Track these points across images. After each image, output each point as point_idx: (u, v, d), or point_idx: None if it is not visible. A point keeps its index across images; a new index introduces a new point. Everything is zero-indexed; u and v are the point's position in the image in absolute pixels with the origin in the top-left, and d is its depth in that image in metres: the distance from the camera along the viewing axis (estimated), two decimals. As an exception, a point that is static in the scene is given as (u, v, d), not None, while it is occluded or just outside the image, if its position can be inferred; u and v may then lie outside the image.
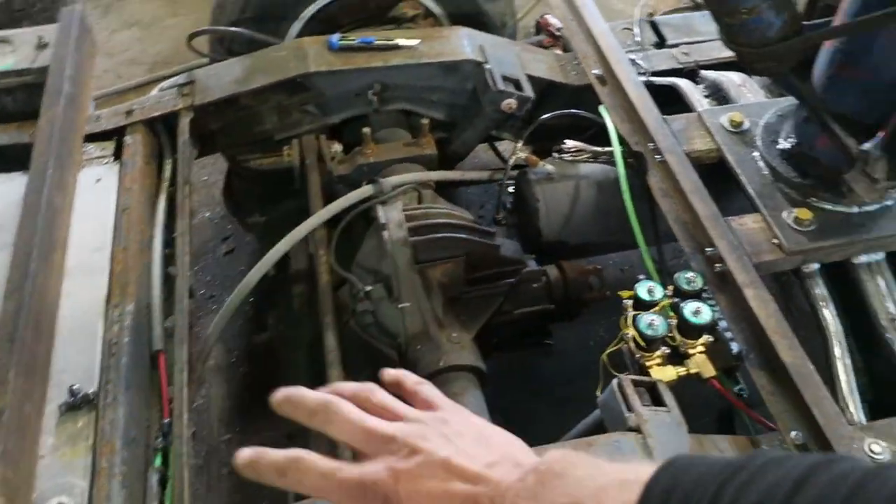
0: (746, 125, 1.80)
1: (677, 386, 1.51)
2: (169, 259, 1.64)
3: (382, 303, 1.66)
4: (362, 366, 1.86)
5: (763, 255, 1.59)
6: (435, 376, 1.59)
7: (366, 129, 1.90)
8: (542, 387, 2.29)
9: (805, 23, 1.49)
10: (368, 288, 1.63)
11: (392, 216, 1.67)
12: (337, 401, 0.75)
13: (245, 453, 0.74)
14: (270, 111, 1.97)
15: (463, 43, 1.98)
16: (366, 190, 1.78)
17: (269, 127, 2.00)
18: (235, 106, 1.94)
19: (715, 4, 1.37)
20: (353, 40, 1.91)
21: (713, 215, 1.62)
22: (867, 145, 1.42)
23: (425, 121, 1.95)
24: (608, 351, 1.56)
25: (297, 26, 2.16)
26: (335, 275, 1.72)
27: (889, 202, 1.65)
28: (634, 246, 1.80)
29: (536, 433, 1.46)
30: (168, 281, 1.60)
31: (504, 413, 2.16)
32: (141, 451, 1.33)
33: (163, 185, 1.78)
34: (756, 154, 1.74)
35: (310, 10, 2.14)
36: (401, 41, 1.93)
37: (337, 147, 1.95)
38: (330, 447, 1.57)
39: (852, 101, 1.51)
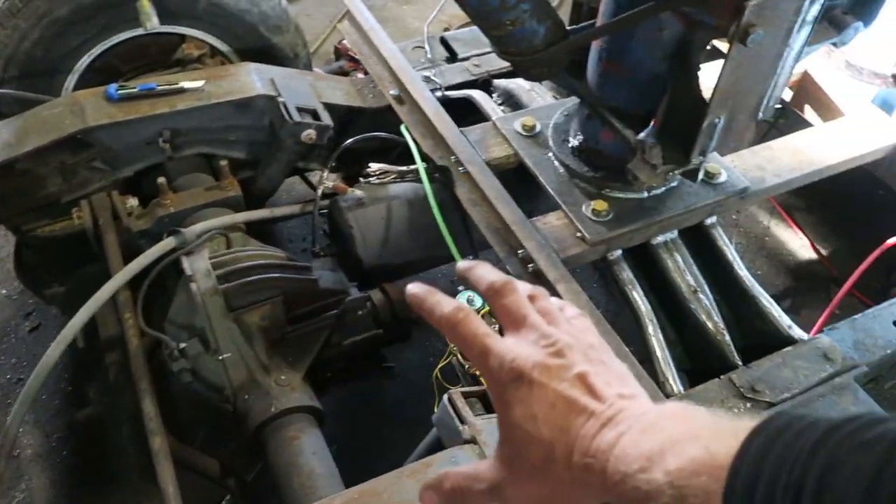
0: (538, 128, 1.87)
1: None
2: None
3: (201, 357, 1.57)
4: (198, 424, 1.77)
5: (569, 249, 1.66)
6: (268, 423, 1.53)
7: (161, 179, 1.81)
8: (391, 411, 2.27)
9: (571, 27, 1.57)
10: (183, 345, 1.54)
11: (198, 266, 1.59)
12: (515, 283, 0.76)
13: (413, 287, 0.77)
14: (53, 173, 1.83)
15: (252, 78, 1.93)
16: (168, 242, 1.69)
17: (55, 190, 1.85)
18: (11, 172, 1.78)
19: (480, 20, 1.42)
20: (134, 88, 1.81)
21: (519, 219, 1.67)
22: (642, 135, 1.51)
23: (224, 162, 1.88)
24: (439, 367, 1.58)
25: (72, 79, 2.03)
26: (148, 336, 1.62)
27: (674, 183, 1.77)
28: (454, 259, 1.82)
29: (391, 457, 1.45)
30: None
31: (357, 443, 2.14)
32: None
33: (-66, 269, 1.60)
34: (550, 154, 1.82)
35: (84, 61, 2.01)
36: (186, 84, 1.85)
37: (132, 202, 1.83)
38: None
39: (623, 94, 1.61)
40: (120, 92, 1.81)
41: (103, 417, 1.89)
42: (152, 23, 1.92)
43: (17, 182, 1.80)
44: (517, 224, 1.66)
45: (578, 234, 1.68)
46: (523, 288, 0.76)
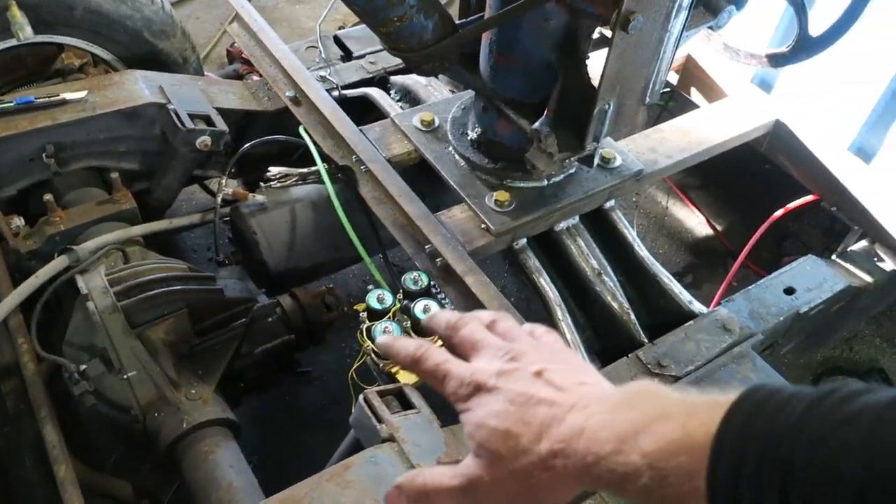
0: (437, 122, 1.88)
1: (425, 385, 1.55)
2: None
3: (105, 378, 1.51)
4: (111, 446, 1.70)
5: (475, 241, 1.68)
6: (181, 439, 1.49)
7: (48, 196, 1.72)
8: (310, 415, 2.25)
9: (460, 21, 1.58)
10: (83, 366, 1.48)
11: (94, 283, 1.53)
12: (473, 314, 0.82)
13: (384, 339, 0.87)
14: (-72, 196, 1.73)
15: (139, 86, 1.87)
16: (60, 262, 1.61)
17: (-69, 214, 1.74)
18: None
19: (368, 17, 1.42)
20: (10, 102, 1.72)
21: (423, 214, 1.68)
22: (537, 124, 1.54)
23: (115, 175, 1.81)
24: (354, 367, 1.56)
25: (-58, 97, 1.90)
26: (45, 361, 1.54)
27: (571, 170, 1.82)
28: (357, 260, 1.82)
29: (311, 461, 1.43)
30: None
31: (277, 450, 2.11)
32: None
33: None
34: (450, 148, 1.83)
35: (-47, 77, 1.90)
36: (67, 95, 1.77)
37: (18, 221, 1.74)
38: None
39: (516, 85, 1.64)
40: (-4, 107, 1.72)
41: (4, 450, 1.80)
42: (25, 33, 1.83)
43: None
44: (422, 219, 1.67)
45: (483, 226, 1.70)
46: (483, 316, 0.81)
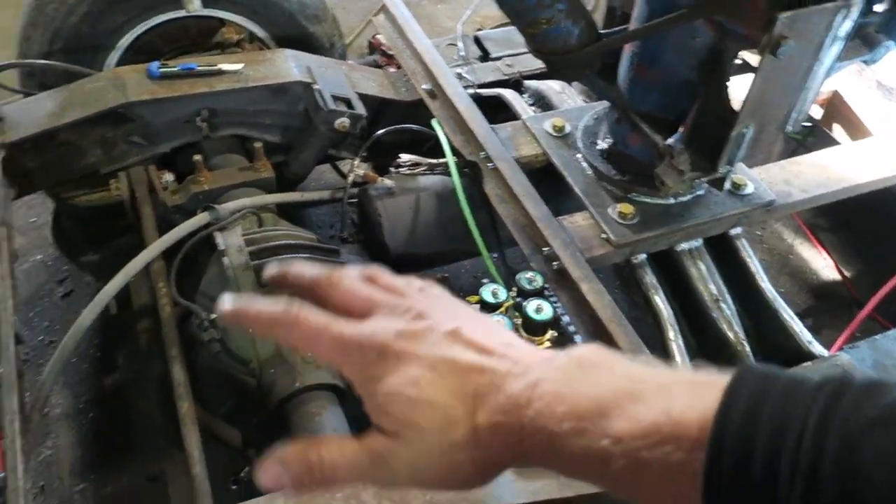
0: (568, 129, 1.90)
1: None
2: (-9, 308, 1.52)
3: (231, 330, 1.61)
4: (223, 396, 1.81)
5: (594, 249, 1.69)
6: (292, 398, 1.57)
7: (197, 157, 1.85)
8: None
9: (604, 31, 1.60)
10: (213, 316, 1.58)
11: (231, 241, 1.63)
12: (344, 270, 0.68)
13: (229, 301, 0.65)
14: (93, 145, 1.88)
15: (289, 65, 1.98)
16: (202, 217, 1.73)
17: (94, 161, 1.90)
18: (53, 141, 1.83)
19: (516, 18, 1.45)
20: (174, 67, 1.86)
21: (545, 216, 1.70)
22: (671, 140, 1.54)
23: (258, 144, 1.93)
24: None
25: (114, 56, 2.08)
26: (180, 306, 1.66)
27: (700, 192, 1.80)
28: (479, 253, 1.86)
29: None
30: (-7, 331, 1.48)
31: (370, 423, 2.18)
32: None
33: (-23, 229, 1.65)
34: (579, 156, 1.85)
35: (126, 39, 2.06)
36: (224, 66, 1.90)
37: (168, 177, 1.88)
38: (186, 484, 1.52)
39: (653, 99, 1.64)
40: (161, 70, 1.86)
41: (131, 384, 1.95)
42: (194, 5, 1.97)
43: (58, 151, 1.85)
44: (543, 221, 1.69)
45: (604, 236, 1.70)
46: (355, 272, 0.68)
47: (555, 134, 1.89)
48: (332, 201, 2.03)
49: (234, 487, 1.84)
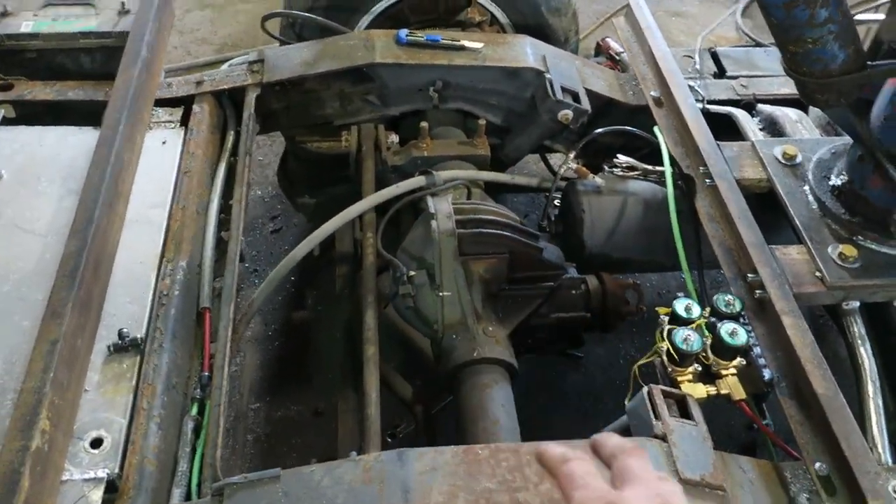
0: (799, 159, 1.81)
1: (705, 406, 1.53)
2: (223, 224, 1.69)
3: (423, 289, 1.69)
4: (393, 352, 1.90)
5: (805, 286, 1.60)
6: (468, 366, 1.63)
7: (423, 124, 1.95)
8: (567, 399, 2.31)
9: (869, 63, 1.50)
10: (412, 273, 1.67)
11: (442, 207, 1.71)
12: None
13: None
14: (333, 97, 2.03)
15: (526, 51, 2.03)
16: (418, 180, 1.83)
17: (331, 112, 2.06)
18: (300, 88, 1.99)
19: (782, 32, 1.40)
20: (421, 37, 1.97)
21: (758, 243, 1.64)
22: (920, 187, 1.43)
23: (482, 122, 1.99)
24: (641, 362, 1.58)
25: (366, 19, 2.23)
26: (380, 259, 1.76)
27: (935, 249, 1.65)
28: (674, 267, 1.82)
29: (555, 439, 1.49)
30: (220, 244, 1.65)
31: (527, 419, 2.20)
32: (179, 399, 1.38)
33: (224, 154, 1.84)
34: (806, 188, 1.75)
35: (381, 5, 2.21)
36: (466, 43, 1.98)
37: (394, 138, 1.99)
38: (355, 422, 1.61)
39: (909, 142, 1.52)
40: (409, 38, 1.97)
41: (316, 322, 2.09)
42: (450, -19, 2.07)
43: (303, 97, 2.02)
44: (756, 248, 1.63)
45: (818, 274, 1.61)
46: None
47: (784, 162, 1.81)
48: (540, 190, 2.07)
49: (389, 440, 1.94)
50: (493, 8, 2.26)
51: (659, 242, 1.82)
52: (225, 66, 2.04)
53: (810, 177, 1.76)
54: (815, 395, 1.41)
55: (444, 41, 1.99)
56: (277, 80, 1.94)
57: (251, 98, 1.90)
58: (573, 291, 1.80)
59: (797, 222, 1.70)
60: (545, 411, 2.21)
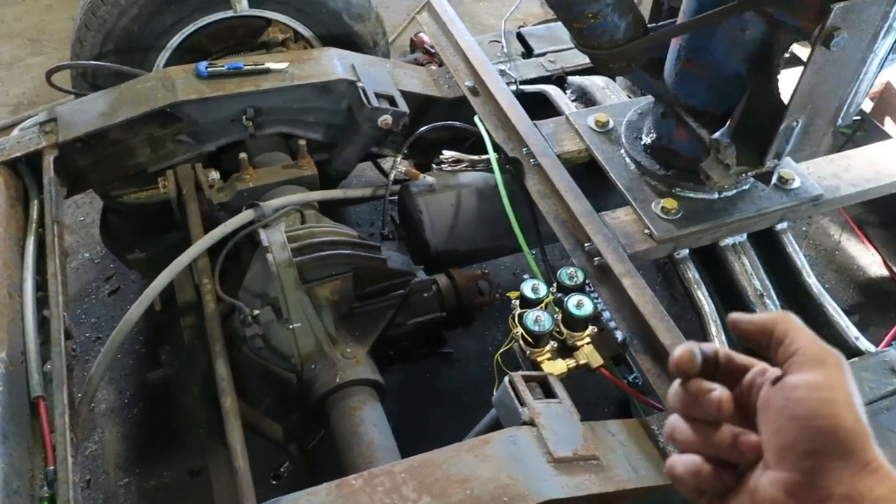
0: (611, 124, 1.89)
1: (576, 378, 1.57)
2: (43, 302, 1.57)
3: (273, 325, 1.64)
4: (264, 392, 1.83)
5: (636, 245, 1.67)
6: (333, 393, 1.59)
7: (242, 155, 1.88)
8: (447, 395, 2.32)
9: (652, 25, 1.58)
10: (256, 312, 1.61)
11: (275, 238, 1.66)
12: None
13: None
14: (142, 143, 1.93)
15: (334, 63, 2.00)
16: (246, 215, 1.76)
17: (143, 160, 1.95)
18: (104, 140, 1.88)
19: (563, 11, 1.44)
20: (222, 67, 1.89)
21: (588, 212, 1.69)
22: (717, 134, 1.52)
23: (302, 142, 1.95)
24: (500, 351, 1.60)
25: (163, 56, 2.12)
26: (223, 302, 1.69)
27: (745, 186, 1.76)
28: (521, 249, 1.86)
29: (440, 438, 1.49)
30: (44, 324, 1.53)
31: (411, 423, 2.19)
32: (26, 503, 1.27)
33: (31, 227, 1.70)
34: (622, 151, 1.83)
35: (175, 40, 2.10)
36: (271, 65, 1.93)
37: (214, 175, 1.92)
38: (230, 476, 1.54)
39: (700, 94, 1.61)
40: (209, 69, 1.90)
41: (174, 379, 1.98)
42: (242, 5, 2.00)
43: (109, 150, 1.90)
44: (586, 217, 1.68)
45: (646, 231, 1.69)
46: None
47: (598, 129, 1.88)
48: (375, 198, 2.05)
49: (273, 483, 1.87)
50: (294, 24, 2.21)
51: (500, 227, 1.84)
52: (15, 132, 1.89)
53: (623, 140, 1.84)
54: (663, 347, 1.48)
55: (247, 67, 1.92)
56: (75, 136, 1.82)
57: (49, 161, 1.77)
58: (425, 294, 1.79)
59: (619, 185, 1.77)
60: (426, 413, 2.21)
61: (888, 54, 1.46)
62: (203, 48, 2.18)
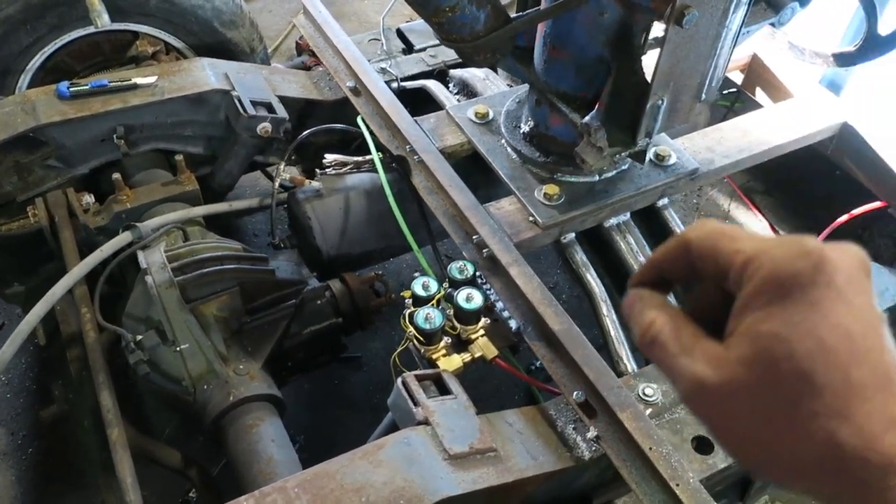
0: (491, 115, 1.89)
1: (484, 369, 1.57)
2: None
3: (159, 349, 1.58)
4: (167, 417, 1.77)
5: (522, 233, 1.69)
6: (227, 412, 1.55)
7: (116, 175, 1.81)
8: (357, 399, 2.30)
9: (515, 14, 1.59)
10: (139, 337, 1.55)
11: (153, 259, 1.60)
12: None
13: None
14: (8, 172, 1.83)
15: (206, 73, 1.94)
16: (123, 237, 1.70)
17: (10, 189, 1.85)
18: (-35, 173, 1.78)
19: (420, 7, 1.44)
20: (85, 85, 1.81)
21: (472, 204, 1.69)
22: (587, 118, 1.54)
23: (179, 157, 1.89)
24: (396, 352, 1.59)
25: (24, 79, 2.02)
26: (106, 331, 1.62)
27: (625, 167, 1.80)
28: (408, 250, 1.85)
29: (355, 443, 1.46)
30: None
31: (322, 432, 2.16)
32: None
33: None
34: (503, 141, 1.84)
35: (36, 61, 2.01)
36: (138, 80, 1.86)
37: (88, 199, 1.83)
38: None
39: (569, 79, 1.63)
40: (72, 89, 1.82)
41: (68, 415, 1.90)
42: (103, 20, 1.92)
43: (-29, 182, 1.80)
44: (470, 210, 1.68)
45: (531, 219, 1.70)
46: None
47: (478, 121, 1.88)
48: (262, 208, 2.00)
49: (183, 509, 1.82)
50: (163, 35, 2.14)
51: (392, 227, 1.83)
52: None
53: (503, 130, 1.85)
54: (553, 333, 1.49)
55: (112, 84, 1.85)
56: (-68, 172, 1.72)
57: None
58: (318, 301, 1.77)
59: (502, 175, 1.78)
60: (337, 418, 2.19)
61: (741, 28, 1.51)
62: (68, 67, 2.09)
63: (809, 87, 2.09)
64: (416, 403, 1.37)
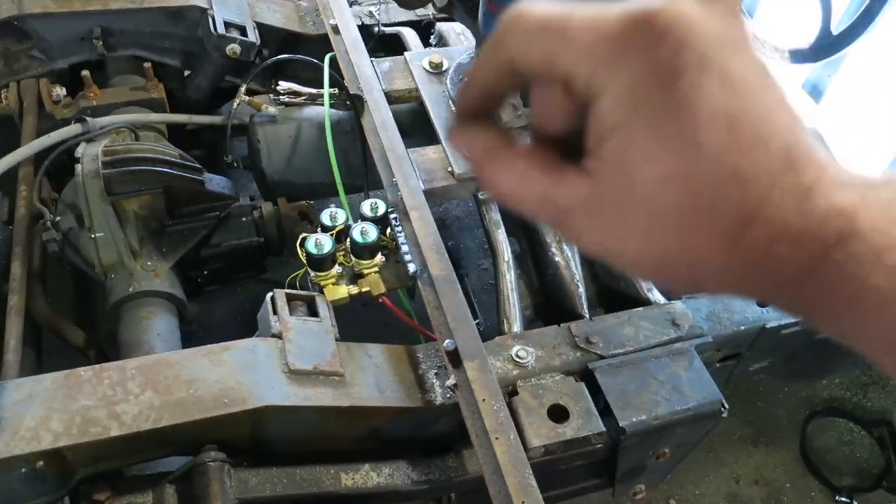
0: (446, 66, 1.91)
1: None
2: None
3: (79, 233, 1.69)
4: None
5: (436, 182, 1.71)
6: (125, 302, 1.65)
7: (85, 73, 1.92)
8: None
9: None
10: (57, 218, 1.66)
11: (89, 151, 1.70)
12: None
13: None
14: (-5, 57, 1.97)
15: (188, -11, 2.02)
16: (73, 129, 1.81)
17: (-5, 73, 1.99)
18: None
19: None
20: (68, -17, 1.93)
21: (395, 147, 1.73)
22: (504, 74, 1.54)
23: (148, 65, 1.99)
24: (292, 276, 1.65)
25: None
26: (35, 209, 1.74)
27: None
28: (360, 188, 1.90)
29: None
30: None
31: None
32: None
33: None
34: (445, 92, 1.86)
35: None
36: (119, -15, 1.96)
37: (59, 91, 1.96)
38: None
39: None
40: (59, -14, 1.93)
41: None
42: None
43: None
44: (392, 152, 1.72)
45: (449, 169, 1.72)
46: None
47: (430, 70, 1.91)
48: (223, 125, 2.08)
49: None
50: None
51: (339, 164, 1.88)
52: None
53: (449, 81, 1.86)
54: (433, 277, 1.52)
55: (96, -14, 1.96)
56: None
57: None
58: (243, 218, 1.84)
59: (436, 123, 1.80)
60: (246, 334, 2.26)
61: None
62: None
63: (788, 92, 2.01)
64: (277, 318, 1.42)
